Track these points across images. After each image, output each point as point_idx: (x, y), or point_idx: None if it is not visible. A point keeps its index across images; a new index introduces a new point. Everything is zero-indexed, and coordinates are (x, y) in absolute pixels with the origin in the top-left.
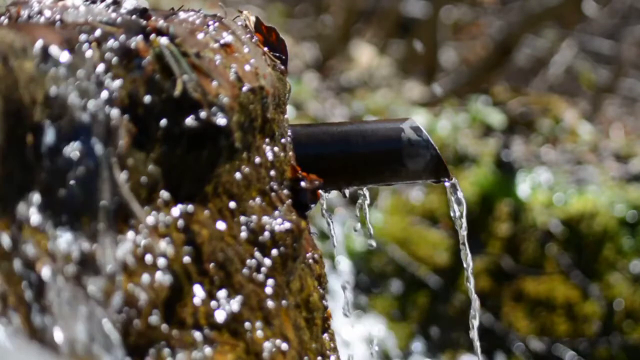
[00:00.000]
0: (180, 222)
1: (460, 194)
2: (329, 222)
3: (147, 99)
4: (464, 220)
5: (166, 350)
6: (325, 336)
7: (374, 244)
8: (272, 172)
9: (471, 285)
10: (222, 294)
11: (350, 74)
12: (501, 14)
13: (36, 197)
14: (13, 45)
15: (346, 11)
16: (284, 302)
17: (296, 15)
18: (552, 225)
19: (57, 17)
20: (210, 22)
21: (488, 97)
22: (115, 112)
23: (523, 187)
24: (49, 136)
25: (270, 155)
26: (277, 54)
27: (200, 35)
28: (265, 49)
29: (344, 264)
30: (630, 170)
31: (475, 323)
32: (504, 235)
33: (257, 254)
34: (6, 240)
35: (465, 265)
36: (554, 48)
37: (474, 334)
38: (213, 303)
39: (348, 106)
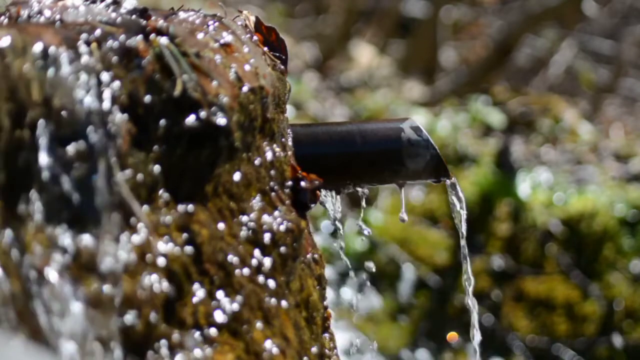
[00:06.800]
0: (180, 222)
1: (460, 193)
2: (337, 224)
3: (147, 98)
4: (463, 222)
5: (166, 350)
6: (326, 336)
7: (366, 232)
8: (272, 172)
9: (470, 288)
10: (222, 294)
11: (350, 74)
12: (501, 14)
13: (36, 196)
14: (13, 45)
15: (346, 11)
16: (284, 302)
17: (296, 15)
18: (552, 225)
19: (57, 17)
20: (210, 22)
21: (488, 97)
22: (115, 112)
23: (523, 187)
24: (49, 136)
25: (270, 155)
26: (277, 54)
27: (200, 35)
28: (265, 49)
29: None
30: (630, 170)
31: (476, 335)
32: (504, 235)
33: (257, 253)
34: (7, 240)
35: (464, 268)
36: (554, 48)
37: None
38: (213, 303)
39: (348, 106)
